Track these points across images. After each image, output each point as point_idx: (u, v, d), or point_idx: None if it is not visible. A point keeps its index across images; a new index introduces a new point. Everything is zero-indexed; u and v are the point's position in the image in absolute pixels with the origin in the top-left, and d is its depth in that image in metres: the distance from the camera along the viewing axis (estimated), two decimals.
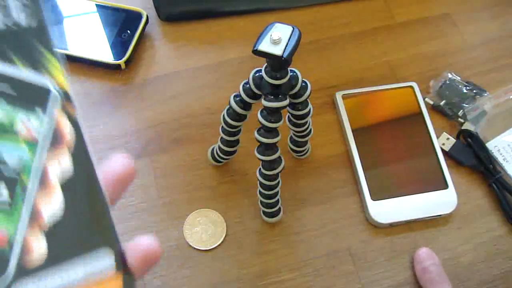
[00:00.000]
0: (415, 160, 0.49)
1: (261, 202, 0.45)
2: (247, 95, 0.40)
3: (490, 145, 0.50)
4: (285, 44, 0.35)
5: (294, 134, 0.46)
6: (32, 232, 0.19)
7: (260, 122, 0.40)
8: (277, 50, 0.35)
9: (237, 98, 0.41)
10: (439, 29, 0.59)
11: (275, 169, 0.42)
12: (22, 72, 0.20)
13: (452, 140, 0.50)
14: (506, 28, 0.59)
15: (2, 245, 0.19)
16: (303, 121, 0.43)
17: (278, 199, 0.45)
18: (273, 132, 0.40)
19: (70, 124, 0.21)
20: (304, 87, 0.40)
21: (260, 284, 0.44)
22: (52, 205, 0.20)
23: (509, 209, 0.47)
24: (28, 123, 0.20)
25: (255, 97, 0.40)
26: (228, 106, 0.42)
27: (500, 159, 0.50)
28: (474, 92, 0.53)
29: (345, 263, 0.45)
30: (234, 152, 0.47)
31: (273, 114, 0.39)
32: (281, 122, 0.40)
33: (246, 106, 0.41)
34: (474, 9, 0.60)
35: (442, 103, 0.52)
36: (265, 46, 0.35)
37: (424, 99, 0.53)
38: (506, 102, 0.52)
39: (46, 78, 0.21)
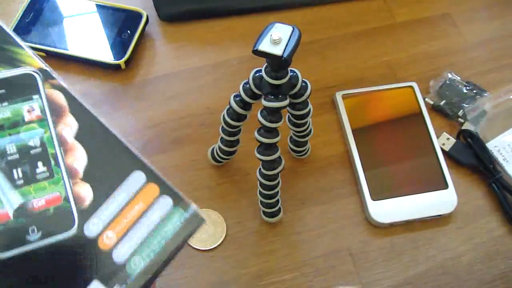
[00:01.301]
0: (415, 160, 0.49)
1: (261, 202, 0.45)
2: (247, 95, 0.40)
3: (490, 145, 0.50)
4: (285, 44, 0.35)
5: (294, 134, 0.46)
6: (76, 184, 0.26)
7: (260, 122, 0.40)
8: (277, 50, 0.35)
9: (237, 98, 0.41)
10: (439, 29, 0.59)
11: (275, 169, 0.42)
12: (3, 73, 0.26)
13: (452, 140, 0.50)
14: (506, 28, 0.59)
15: (61, 203, 0.25)
16: (303, 121, 0.43)
17: (278, 199, 0.45)
18: (273, 132, 0.40)
19: (58, 91, 0.26)
20: (304, 87, 0.40)
21: (260, 284, 0.44)
22: (79, 158, 0.26)
23: (509, 209, 0.47)
24: (31, 108, 0.26)
25: (255, 97, 0.40)
26: (228, 106, 0.42)
27: (500, 159, 0.50)
28: (474, 92, 0.53)
29: (345, 263, 0.45)
30: (234, 152, 0.47)
31: (273, 114, 0.39)
32: (281, 122, 0.40)
33: (246, 106, 0.41)
34: (474, 9, 0.60)
35: (442, 103, 0.52)
36: (265, 46, 0.35)
37: (424, 99, 0.53)
38: (506, 102, 0.52)
39: (24, 66, 0.26)
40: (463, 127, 0.51)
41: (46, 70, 0.27)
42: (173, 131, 0.51)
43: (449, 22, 0.59)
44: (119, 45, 0.54)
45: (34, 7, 0.56)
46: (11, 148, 0.25)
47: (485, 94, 0.53)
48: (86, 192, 0.25)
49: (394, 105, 0.52)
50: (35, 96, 0.26)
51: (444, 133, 0.51)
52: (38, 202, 0.25)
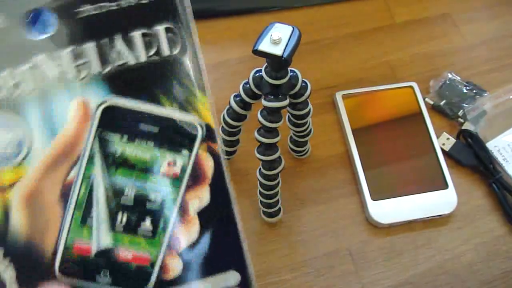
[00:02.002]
0: (415, 160, 0.49)
1: (261, 202, 0.45)
2: (247, 95, 0.40)
3: (490, 145, 0.50)
4: (285, 44, 0.35)
5: (294, 134, 0.46)
6: (170, 256, 0.23)
7: (260, 122, 0.40)
8: (277, 50, 0.35)
9: (237, 98, 0.41)
10: (439, 29, 0.59)
11: (275, 169, 0.42)
12: (169, 111, 0.22)
13: (452, 140, 0.50)
14: (506, 28, 0.59)
15: (146, 264, 0.23)
16: (303, 121, 0.43)
17: (278, 199, 0.45)
18: (273, 132, 0.40)
19: (211, 158, 0.23)
20: (304, 87, 0.40)
21: (260, 284, 0.44)
22: (189, 235, 0.23)
23: (509, 209, 0.47)
24: (173, 162, 0.22)
25: (255, 97, 0.40)
26: (228, 106, 0.42)
27: (500, 159, 0.50)
28: (474, 92, 0.53)
29: (345, 263, 0.45)
30: (234, 152, 0.47)
31: (273, 114, 0.39)
32: (281, 122, 0.40)
33: (246, 106, 0.41)
34: (474, 9, 0.60)
35: (442, 103, 0.52)
36: (265, 46, 0.35)
37: (424, 99, 0.53)
38: (506, 102, 0.52)
39: (192, 114, 0.22)
40: (463, 127, 0.51)
41: (212, 130, 0.23)
42: None
43: (449, 22, 0.59)
44: None
45: None
46: (130, 192, 0.22)
47: (485, 94, 0.53)
48: (175, 267, 0.23)
49: (394, 105, 0.52)
50: (185, 152, 0.23)
51: (444, 133, 0.51)
52: (126, 254, 0.23)
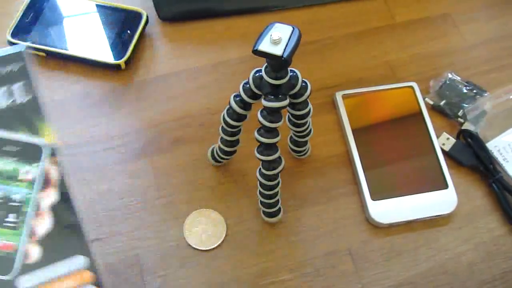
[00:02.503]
0: (415, 160, 0.49)
1: (261, 202, 0.45)
2: (247, 95, 0.40)
3: (490, 145, 0.50)
4: (285, 44, 0.35)
5: (294, 134, 0.46)
6: (30, 243, 0.30)
7: (260, 122, 0.40)
8: (277, 50, 0.35)
9: (237, 98, 0.41)
10: (439, 29, 0.59)
11: (275, 169, 0.42)
12: (23, 137, 0.32)
13: (452, 140, 0.50)
14: (506, 28, 0.59)
15: (11, 251, 0.30)
16: (303, 121, 0.43)
17: (278, 199, 0.45)
18: (273, 132, 0.40)
19: (56, 168, 0.32)
20: (304, 87, 0.40)
21: (260, 284, 0.44)
22: (43, 225, 0.31)
23: (509, 209, 0.47)
24: (28, 171, 0.31)
25: (255, 97, 0.40)
26: (228, 106, 0.42)
27: (500, 159, 0.50)
28: (474, 92, 0.53)
29: (345, 263, 0.45)
30: (234, 152, 0.47)
31: (273, 114, 0.39)
32: (281, 122, 0.40)
33: (246, 106, 0.41)
34: (474, 9, 0.60)
35: (442, 103, 0.52)
36: (265, 46, 0.35)
37: (424, 99, 0.53)
38: (506, 102, 0.52)
39: (39, 138, 0.32)
40: (463, 127, 0.51)
41: (55, 148, 0.32)
42: (173, 131, 0.51)
43: (449, 22, 0.59)
44: (119, 45, 0.54)
45: (34, 7, 0.56)
46: None
47: (485, 94, 0.53)
48: (35, 252, 0.30)
49: (394, 105, 0.52)
50: (35, 164, 0.31)
51: (444, 133, 0.51)
52: None
